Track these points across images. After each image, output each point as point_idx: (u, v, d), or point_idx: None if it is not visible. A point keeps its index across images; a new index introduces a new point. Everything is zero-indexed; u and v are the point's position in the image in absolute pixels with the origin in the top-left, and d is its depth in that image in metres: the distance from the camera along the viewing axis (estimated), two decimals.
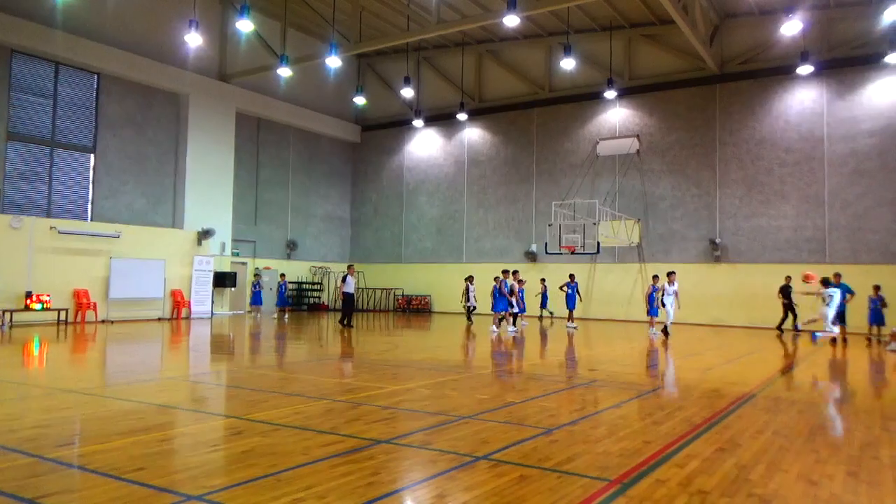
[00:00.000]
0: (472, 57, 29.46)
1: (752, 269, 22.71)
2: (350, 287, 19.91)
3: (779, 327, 20.19)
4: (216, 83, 25.72)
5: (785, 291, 20.04)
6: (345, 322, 19.67)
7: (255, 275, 25.65)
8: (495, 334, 17.91)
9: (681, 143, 24.77)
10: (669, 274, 17.90)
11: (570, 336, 18.04)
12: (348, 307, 19.95)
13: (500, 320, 19.07)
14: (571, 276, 21.58)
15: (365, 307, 30.62)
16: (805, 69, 21.51)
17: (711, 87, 24.24)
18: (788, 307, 20.01)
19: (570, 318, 21.19)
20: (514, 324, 19.54)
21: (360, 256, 32.29)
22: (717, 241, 23.59)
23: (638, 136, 25.56)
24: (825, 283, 15.35)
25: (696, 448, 5.60)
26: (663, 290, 17.71)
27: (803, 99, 22.68)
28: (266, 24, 25.79)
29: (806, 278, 15.36)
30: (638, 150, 25.51)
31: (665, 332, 17.04)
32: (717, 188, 23.94)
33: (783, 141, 22.90)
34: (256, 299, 24.71)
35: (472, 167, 29.54)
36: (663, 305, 17.72)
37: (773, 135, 23.08)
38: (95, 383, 9.54)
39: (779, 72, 22.97)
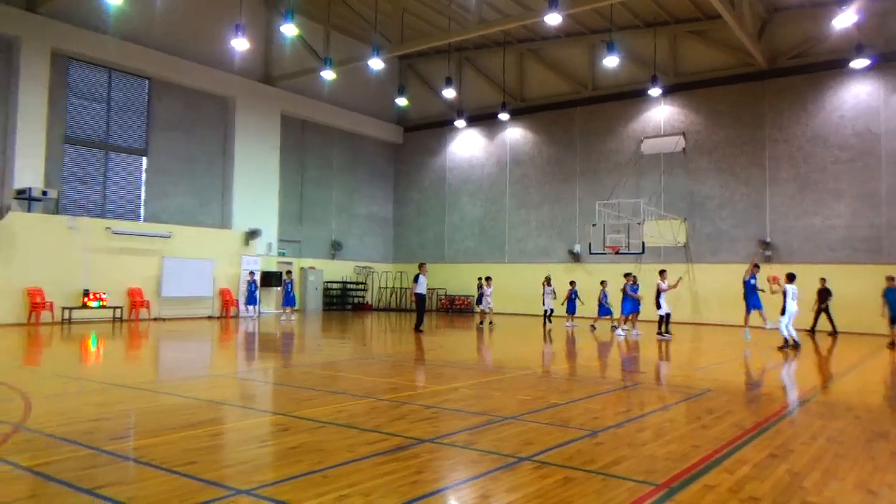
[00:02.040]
0: (513, 56, 29.34)
1: (806, 270, 21.83)
2: (422, 287, 18.14)
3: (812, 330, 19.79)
4: (262, 86, 26.24)
5: (821, 295, 19.65)
6: (415, 326, 18.15)
7: (251, 273, 23.63)
8: (621, 337, 17.23)
9: (728, 141, 24.19)
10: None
11: (635, 342, 16.44)
12: (421, 309, 18.33)
13: (626, 322, 18.31)
14: (627, 275, 18.92)
15: (408, 307, 30.78)
16: (860, 63, 20.75)
17: (760, 82, 23.60)
18: (821, 311, 19.63)
19: (632, 322, 18.64)
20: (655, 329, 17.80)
21: (404, 256, 32.49)
22: (768, 240, 22.95)
23: (684, 133, 25.07)
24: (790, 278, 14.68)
25: (747, 453, 5.46)
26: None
27: (858, 93, 21.89)
28: (310, 28, 26.18)
29: (771, 280, 14.68)
30: (684, 149, 25.01)
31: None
32: (767, 187, 23.29)
33: (837, 137, 22.14)
34: (251, 299, 23.35)
35: (514, 167, 29.42)
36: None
37: (826, 131, 22.33)
38: (149, 379, 9.84)
39: (832, 66, 22.21)
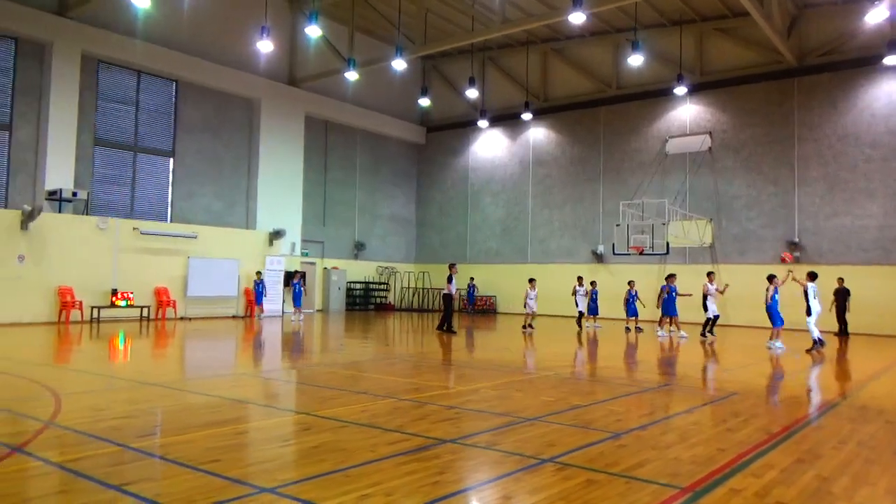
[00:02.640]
0: (537, 56, 29.22)
1: (836, 272, 21.44)
2: (454, 288, 18.07)
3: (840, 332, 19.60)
4: (286, 88, 26.47)
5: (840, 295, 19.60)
6: (446, 327, 17.69)
7: (258, 273, 22.81)
8: (685, 340, 16.94)
9: (756, 140, 23.82)
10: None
11: (677, 345, 16.04)
12: (450, 310, 18.12)
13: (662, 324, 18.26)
14: (670, 276, 18.54)
15: (430, 307, 30.84)
16: (893, 59, 20.23)
17: (789, 80, 23.20)
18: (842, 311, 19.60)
19: (672, 324, 18.21)
20: (709, 330, 17.48)
21: (425, 257, 32.53)
22: (797, 241, 22.55)
23: (710, 133, 24.75)
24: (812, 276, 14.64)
25: (774, 458, 5.37)
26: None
27: (891, 91, 21.41)
28: (334, 29, 26.34)
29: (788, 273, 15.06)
30: (710, 148, 24.69)
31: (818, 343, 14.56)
32: (796, 186, 22.89)
33: (868, 135, 21.69)
34: (258, 300, 22.43)
35: (537, 167, 29.30)
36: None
37: (858, 129, 21.88)
38: (175, 377, 9.98)
39: (863, 63, 21.76)
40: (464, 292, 27.69)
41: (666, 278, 18.44)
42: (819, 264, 21.94)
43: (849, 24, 21.80)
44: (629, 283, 20.68)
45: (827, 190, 22.32)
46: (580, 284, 21.59)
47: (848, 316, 19.54)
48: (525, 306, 20.59)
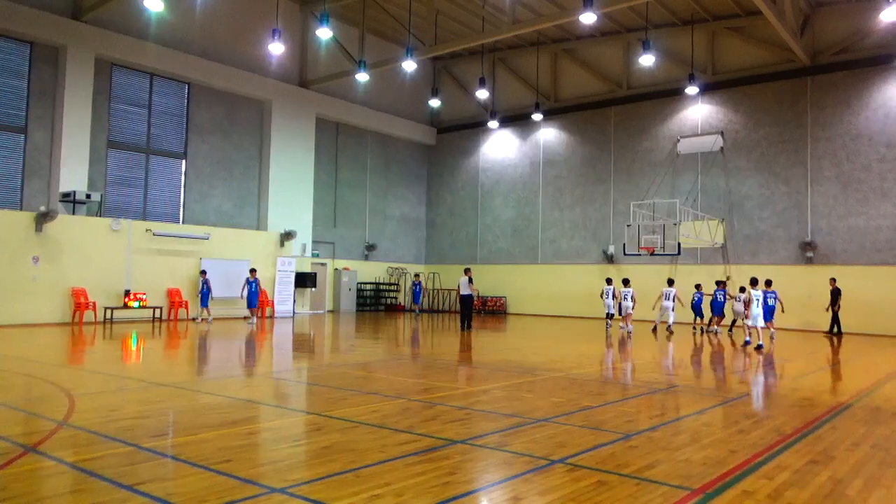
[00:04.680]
0: (547, 56, 29.16)
1: (849, 272, 21.30)
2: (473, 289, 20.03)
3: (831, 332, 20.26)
4: (297, 89, 26.57)
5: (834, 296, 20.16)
6: (466, 325, 19.39)
7: (203, 272, 20.90)
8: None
9: (769, 140, 23.64)
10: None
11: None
12: (470, 309, 19.80)
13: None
14: (719, 282, 19.87)
15: (440, 308, 30.86)
16: None
17: (802, 80, 23.02)
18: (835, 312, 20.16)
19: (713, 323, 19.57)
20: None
21: (436, 258, 32.55)
22: (809, 241, 22.37)
23: (722, 132, 24.59)
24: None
25: (787, 459, 5.33)
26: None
27: None
28: (344, 31, 26.42)
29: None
30: (722, 148, 24.54)
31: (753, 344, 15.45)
32: (809, 186, 22.70)
33: (883, 135, 21.47)
34: (203, 300, 20.55)
35: (547, 168, 29.24)
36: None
37: (872, 129, 21.67)
38: (187, 378, 10.04)
39: (877, 62, 21.57)
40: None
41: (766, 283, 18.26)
42: (833, 264, 21.80)
43: (863, 22, 21.61)
44: (696, 285, 20.45)
45: (840, 190, 22.12)
46: (608, 284, 20.48)
47: (840, 315, 20.06)
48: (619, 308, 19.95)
